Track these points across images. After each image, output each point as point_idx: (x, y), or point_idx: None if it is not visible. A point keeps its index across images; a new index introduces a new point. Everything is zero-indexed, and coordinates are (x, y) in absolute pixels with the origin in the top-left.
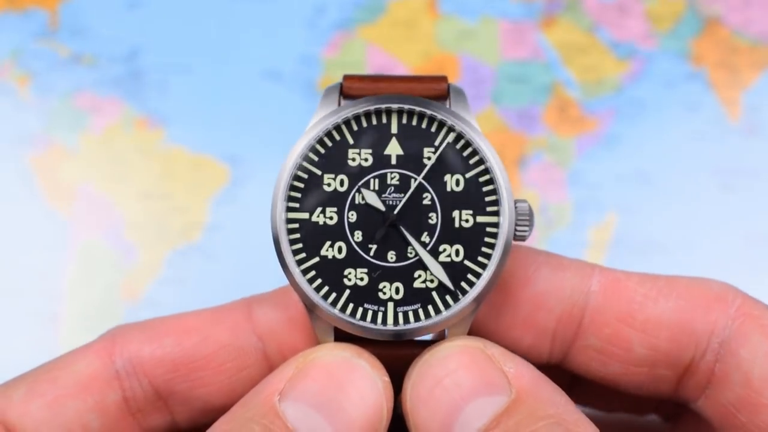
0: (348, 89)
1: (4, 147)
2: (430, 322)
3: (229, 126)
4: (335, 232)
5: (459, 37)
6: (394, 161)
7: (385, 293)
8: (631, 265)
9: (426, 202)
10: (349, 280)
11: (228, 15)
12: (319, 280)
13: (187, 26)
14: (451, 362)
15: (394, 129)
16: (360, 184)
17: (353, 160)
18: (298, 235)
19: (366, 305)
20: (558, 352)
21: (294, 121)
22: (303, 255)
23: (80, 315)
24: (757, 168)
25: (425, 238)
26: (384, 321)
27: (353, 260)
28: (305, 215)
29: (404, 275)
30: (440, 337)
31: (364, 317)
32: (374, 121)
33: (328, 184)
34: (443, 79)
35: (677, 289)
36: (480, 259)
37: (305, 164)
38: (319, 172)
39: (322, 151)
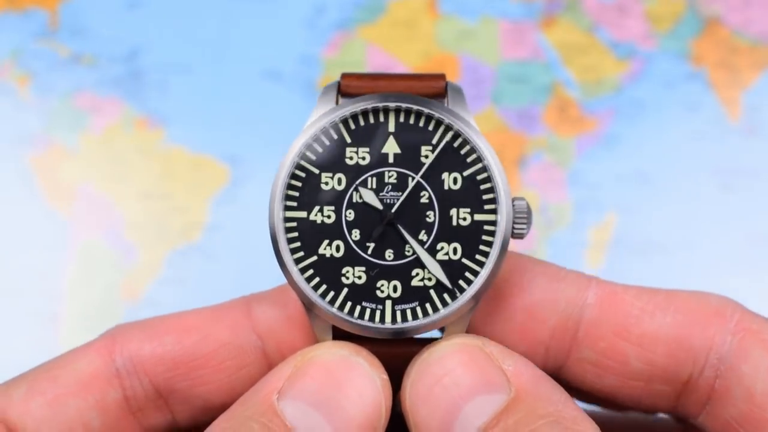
0: (346, 87)
1: (4, 147)
2: (428, 320)
3: (229, 126)
4: (333, 231)
5: (459, 37)
6: (391, 160)
7: (383, 291)
8: (631, 265)
9: (423, 200)
10: (347, 278)
11: (228, 15)
12: (317, 279)
13: (187, 26)
14: (450, 361)
15: (391, 127)
16: (358, 182)
17: (351, 158)
18: (296, 234)
19: (364, 303)
20: (552, 364)
21: (294, 121)
22: (301, 254)
23: (80, 315)
24: (757, 168)
25: (423, 236)
26: (382, 319)
27: (351, 259)
28: (303, 214)
29: (402, 273)
30: (439, 335)
31: (362, 315)
32: (372, 120)
33: (326, 183)
34: (441, 77)
35: (675, 303)
36: (478, 257)
37: (303, 163)
38: (316, 171)
39: (320, 149)
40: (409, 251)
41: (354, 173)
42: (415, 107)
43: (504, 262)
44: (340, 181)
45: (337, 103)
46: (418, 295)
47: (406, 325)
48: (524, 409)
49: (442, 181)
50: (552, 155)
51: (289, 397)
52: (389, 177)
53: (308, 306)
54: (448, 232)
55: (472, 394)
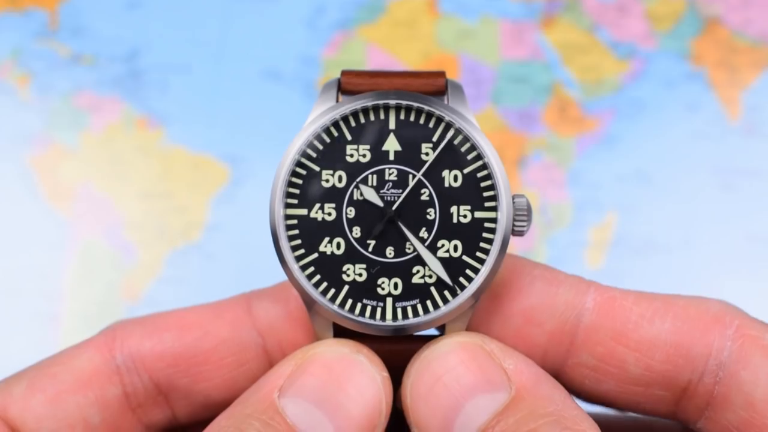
0: (346, 84)
1: (4, 147)
2: (428, 317)
3: (228, 126)
4: (334, 228)
5: (459, 37)
6: (392, 157)
7: (383, 289)
8: (631, 265)
9: (424, 197)
10: (348, 276)
11: (228, 15)
12: (317, 276)
13: (187, 26)
14: (451, 359)
15: (392, 125)
16: (358, 180)
17: (351, 156)
18: (296, 231)
19: (365, 301)
20: (550, 368)
21: (294, 120)
22: (302, 251)
23: (80, 315)
24: (757, 168)
25: (423, 233)
26: (383, 316)
27: (352, 256)
28: (303, 211)
29: (403, 271)
30: (439, 332)
31: (362, 313)
32: (372, 117)
33: (327, 180)
34: (441, 74)
35: (673, 309)
36: (478, 254)
37: (303, 160)
38: (317, 168)
39: (320, 147)
40: (409, 249)
41: (354, 170)
42: (415, 104)
43: (504, 259)
44: (340, 178)
45: (337, 100)
46: (419, 293)
47: (406, 322)
48: (525, 408)
49: (443, 179)
50: (552, 155)
51: (290, 394)
52: (390, 174)
53: (309, 303)
54: (448, 229)
55: (473, 393)
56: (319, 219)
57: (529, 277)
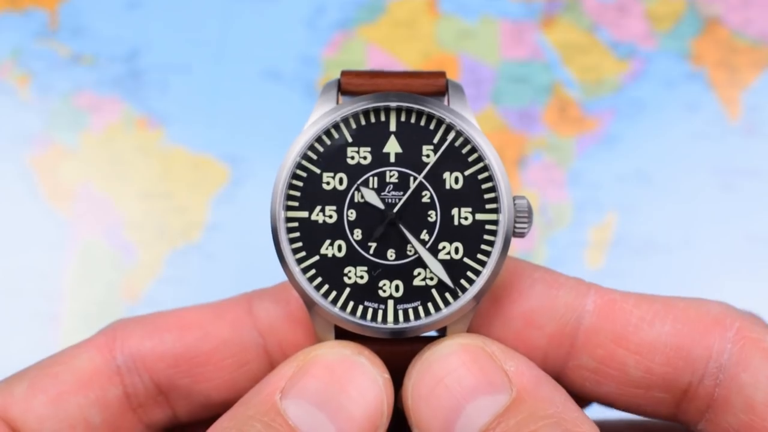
0: (346, 85)
1: (4, 147)
2: (430, 319)
3: (228, 126)
4: (335, 231)
5: (459, 37)
6: (392, 159)
7: (385, 291)
8: (631, 265)
9: (425, 200)
10: (349, 278)
11: (228, 15)
12: (319, 279)
13: (187, 26)
14: (452, 360)
15: (392, 127)
16: (359, 182)
17: (352, 158)
18: (297, 234)
19: (366, 303)
20: (551, 370)
21: (294, 121)
22: (303, 254)
23: (80, 315)
24: (757, 168)
25: (425, 236)
26: (384, 319)
27: (353, 258)
28: (305, 214)
29: (404, 273)
30: (440, 334)
31: (364, 315)
32: (373, 119)
33: (327, 183)
34: (442, 74)
35: (674, 311)
36: (479, 256)
37: (304, 163)
38: (318, 171)
39: (321, 149)
40: (410, 251)
41: (355, 173)
42: (416, 106)
43: (505, 261)
44: (341, 180)
45: (337, 100)
46: (420, 295)
47: (408, 324)
48: (526, 410)
49: (444, 181)
50: (552, 155)
51: (292, 396)
52: (391, 176)
53: (310, 305)
54: (449, 231)
55: (474, 395)
56: (320, 221)
57: (530, 280)
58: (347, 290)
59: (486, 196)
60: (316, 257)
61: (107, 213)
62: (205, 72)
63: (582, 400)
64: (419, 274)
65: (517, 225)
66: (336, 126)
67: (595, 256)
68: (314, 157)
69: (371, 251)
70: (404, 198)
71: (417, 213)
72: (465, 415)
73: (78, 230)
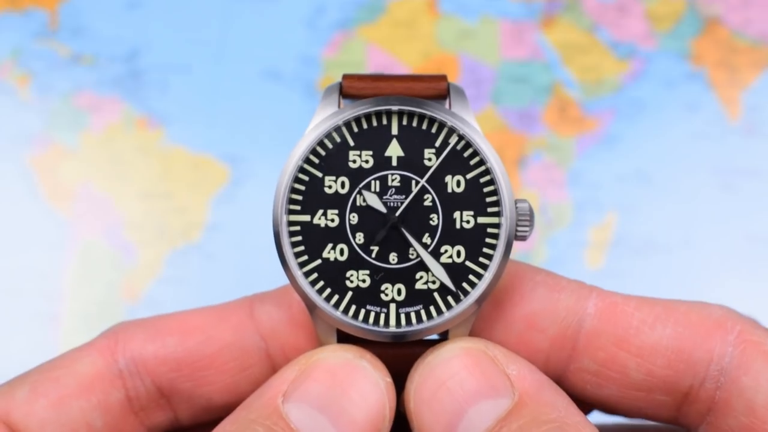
0: (348, 88)
1: (4, 147)
2: (432, 323)
3: (229, 126)
4: (337, 235)
5: (459, 37)
6: (394, 163)
7: (387, 295)
8: (631, 265)
9: (427, 203)
10: (352, 282)
11: (228, 15)
12: (321, 283)
13: (187, 26)
14: (455, 364)
15: (394, 130)
16: (361, 186)
17: (354, 162)
18: (299, 238)
19: (368, 307)
20: (552, 373)
21: (294, 121)
22: (305, 258)
23: (80, 315)
24: (757, 168)
25: (426, 239)
26: (386, 322)
27: (355, 262)
28: (306, 218)
29: (406, 277)
30: (442, 338)
31: (366, 319)
32: (374, 123)
33: (329, 187)
34: (443, 78)
35: (675, 314)
36: (481, 259)
37: (306, 166)
38: (319, 175)
39: (323, 153)
40: (413, 254)
41: (357, 176)
42: (418, 110)
43: (507, 264)
44: (343, 184)
45: (339, 104)
46: (423, 299)
47: (410, 328)
48: (528, 414)
49: (446, 184)
50: (552, 155)
51: (294, 400)
52: (393, 180)
53: (312, 309)
54: (451, 235)
55: (476, 398)
56: (322, 225)
57: (531, 283)
58: (349, 294)
59: (488, 199)
60: (318, 261)
61: (107, 213)
62: (205, 72)
63: (583, 404)
64: (421, 277)
65: (519, 228)
66: (338, 130)
67: (595, 256)
68: (316, 160)
69: (373, 255)
70: (406, 201)
71: (419, 216)
72: (467, 419)
73: (78, 230)
